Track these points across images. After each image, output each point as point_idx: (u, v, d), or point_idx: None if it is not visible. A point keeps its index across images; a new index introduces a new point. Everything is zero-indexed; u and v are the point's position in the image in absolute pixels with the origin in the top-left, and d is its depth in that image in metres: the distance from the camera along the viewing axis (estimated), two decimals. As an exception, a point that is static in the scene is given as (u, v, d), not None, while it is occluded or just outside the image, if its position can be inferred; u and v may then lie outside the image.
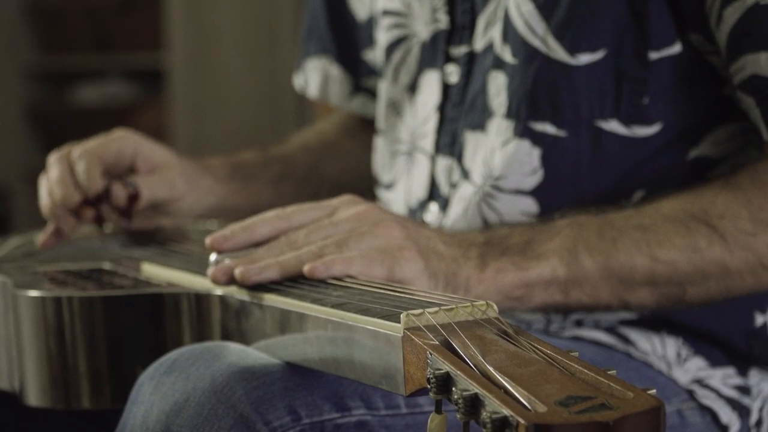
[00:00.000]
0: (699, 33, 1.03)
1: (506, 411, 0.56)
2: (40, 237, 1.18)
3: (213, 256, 0.95)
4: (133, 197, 1.17)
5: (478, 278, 0.95)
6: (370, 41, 1.31)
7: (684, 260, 0.98)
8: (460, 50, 1.15)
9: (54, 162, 1.18)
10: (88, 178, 1.16)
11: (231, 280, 0.92)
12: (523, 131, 1.08)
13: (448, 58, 1.16)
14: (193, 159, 1.27)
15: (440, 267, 0.93)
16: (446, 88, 1.16)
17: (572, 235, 0.98)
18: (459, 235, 0.99)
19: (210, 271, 0.93)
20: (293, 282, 0.91)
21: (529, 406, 0.57)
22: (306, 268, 0.89)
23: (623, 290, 0.99)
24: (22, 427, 1.16)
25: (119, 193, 1.17)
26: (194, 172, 1.24)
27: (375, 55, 1.30)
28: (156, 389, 0.88)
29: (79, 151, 1.17)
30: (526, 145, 1.08)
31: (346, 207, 0.95)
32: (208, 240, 0.96)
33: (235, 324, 0.93)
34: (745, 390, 1.08)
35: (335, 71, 1.36)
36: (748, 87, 1.01)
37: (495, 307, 0.75)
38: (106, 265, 1.11)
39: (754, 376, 1.09)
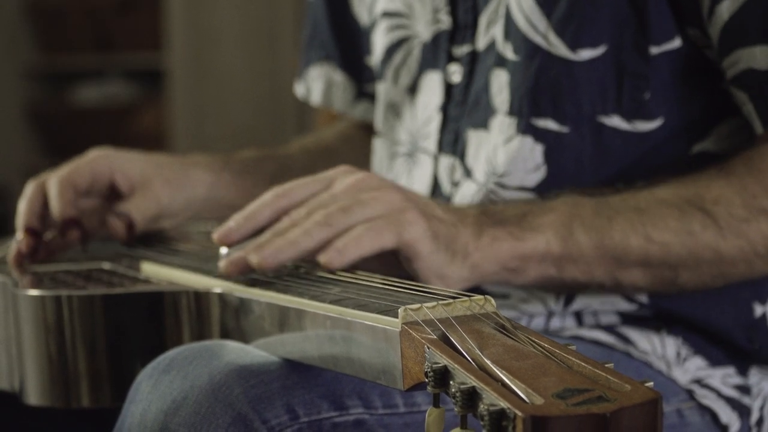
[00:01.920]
0: (696, 27, 1.03)
1: (503, 403, 0.56)
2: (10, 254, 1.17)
3: (223, 251, 0.95)
4: (130, 226, 1.17)
5: (475, 245, 0.95)
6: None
7: (677, 243, 0.98)
8: (462, 50, 1.15)
9: (29, 187, 1.18)
10: (59, 206, 1.15)
11: (245, 270, 0.92)
12: (526, 128, 1.08)
13: (451, 58, 1.16)
14: (181, 155, 1.27)
15: (441, 229, 0.93)
16: (449, 87, 1.16)
17: (568, 211, 0.98)
18: (454, 206, 1.00)
19: (221, 264, 0.94)
20: (290, 277, 0.91)
21: (526, 399, 0.57)
22: (322, 262, 0.89)
23: (617, 269, 0.99)
24: (22, 427, 1.16)
25: (117, 226, 1.16)
26: (178, 172, 1.22)
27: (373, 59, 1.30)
28: (154, 388, 0.88)
29: (53, 179, 1.17)
30: (528, 141, 1.08)
31: (343, 177, 0.95)
32: (215, 236, 0.96)
33: (234, 322, 0.93)
34: (745, 389, 1.08)
35: (338, 77, 1.36)
36: (741, 82, 1.01)
37: (492, 301, 0.75)
38: (106, 265, 1.11)
39: (754, 375, 1.09)
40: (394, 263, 0.94)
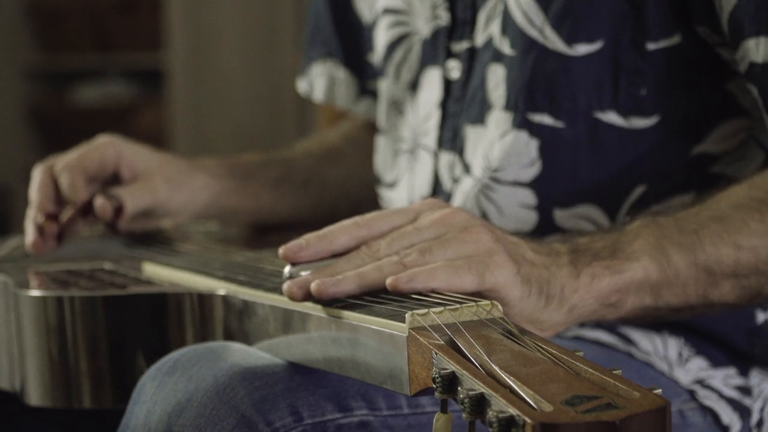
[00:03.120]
0: (705, 25, 1.03)
1: (512, 410, 0.56)
2: (28, 243, 1.17)
3: (287, 269, 0.88)
4: (119, 209, 1.17)
5: (573, 286, 0.89)
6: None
7: (764, 245, 0.94)
8: (461, 46, 1.15)
9: (37, 173, 1.18)
10: (72, 190, 1.16)
11: (308, 296, 0.84)
12: (521, 123, 1.08)
13: (450, 54, 1.16)
14: (187, 158, 1.27)
15: (533, 273, 0.87)
16: (448, 84, 1.16)
17: (654, 233, 0.94)
18: (544, 243, 0.94)
19: (285, 286, 0.86)
20: None
21: (535, 406, 0.57)
22: (388, 282, 0.82)
23: (709, 285, 0.95)
24: (22, 427, 1.16)
25: (105, 207, 1.16)
26: (183, 172, 1.23)
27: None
28: (158, 389, 0.88)
29: (62, 164, 1.18)
30: (524, 136, 1.08)
31: (430, 211, 0.89)
32: (281, 250, 0.88)
33: (238, 324, 0.93)
34: (746, 390, 1.08)
35: (341, 74, 1.36)
36: (747, 75, 1.00)
37: (500, 306, 0.75)
38: (107, 265, 1.11)
39: (755, 377, 1.09)
40: None
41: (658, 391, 0.59)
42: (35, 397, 1.01)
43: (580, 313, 0.90)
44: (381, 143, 1.27)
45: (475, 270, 0.82)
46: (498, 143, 1.09)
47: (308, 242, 0.88)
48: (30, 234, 1.16)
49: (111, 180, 1.20)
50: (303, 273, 0.86)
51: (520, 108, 1.08)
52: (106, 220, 1.17)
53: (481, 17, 1.13)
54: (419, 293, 0.80)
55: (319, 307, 0.82)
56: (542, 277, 0.87)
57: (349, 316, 0.78)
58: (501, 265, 0.83)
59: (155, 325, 0.97)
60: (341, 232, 0.88)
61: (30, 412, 1.07)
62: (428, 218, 0.88)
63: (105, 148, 1.20)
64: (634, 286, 0.92)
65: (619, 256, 0.91)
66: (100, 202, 1.16)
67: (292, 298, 0.85)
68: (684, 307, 0.95)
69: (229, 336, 0.94)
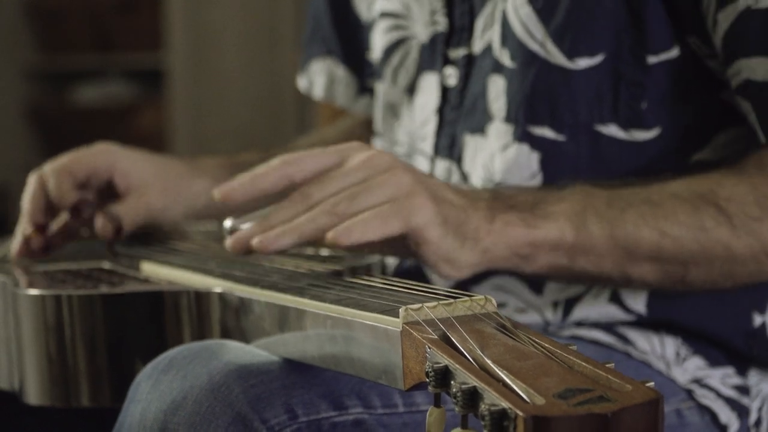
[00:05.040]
0: (696, 36, 1.03)
1: (505, 403, 0.56)
2: (13, 252, 1.17)
3: (227, 223, 0.94)
4: (118, 229, 1.17)
5: (487, 229, 0.93)
6: None
7: (690, 238, 0.97)
8: (458, 53, 1.15)
9: (30, 181, 1.18)
10: (58, 194, 1.15)
11: (249, 250, 0.91)
12: (522, 135, 1.08)
13: (447, 61, 1.16)
14: (189, 159, 1.27)
15: (451, 213, 0.92)
16: (445, 90, 1.16)
17: (580, 200, 0.97)
18: (466, 188, 0.98)
19: (227, 241, 0.93)
20: (291, 277, 0.91)
21: (527, 399, 0.57)
22: (328, 237, 0.88)
23: (627, 262, 0.98)
24: (21, 426, 1.16)
25: (106, 227, 1.15)
26: (181, 177, 1.22)
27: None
28: (154, 387, 0.88)
29: (50, 167, 1.17)
30: (525, 149, 1.08)
31: (355, 153, 0.94)
32: (215, 191, 0.95)
33: (235, 322, 0.93)
34: (744, 390, 1.08)
35: (341, 72, 1.36)
36: (743, 92, 1.00)
37: (494, 301, 0.75)
38: (106, 264, 1.11)
39: (754, 376, 1.09)
40: (401, 247, 0.93)
41: (651, 384, 0.59)
42: (34, 396, 1.01)
43: (493, 256, 0.94)
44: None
45: (401, 214, 0.89)
46: (499, 155, 1.09)
47: (241, 183, 0.95)
48: (15, 243, 1.16)
49: (105, 188, 1.19)
50: (243, 226, 0.92)
51: (521, 121, 1.08)
52: (108, 239, 1.17)
53: (479, 24, 1.13)
54: (409, 282, 0.85)
55: (314, 303, 0.82)
56: (460, 218, 0.92)
57: (344, 311, 0.78)
58: (422, 206, 0.90)
59: (153, 323, 0.97)
60: (271, 171, 0.94)
61: (29, 411, 1.07)
62: (354, 161, 0.93)
63: (98, 155, 1.18)
64: (548, 245, 0.96)
65: (537, 212, 0.96)
66: (100, 222, 1.15)
67: (235, 253, 0.93)
68: (601, 277, 0.99)
69: (226, 334, 0.94)
